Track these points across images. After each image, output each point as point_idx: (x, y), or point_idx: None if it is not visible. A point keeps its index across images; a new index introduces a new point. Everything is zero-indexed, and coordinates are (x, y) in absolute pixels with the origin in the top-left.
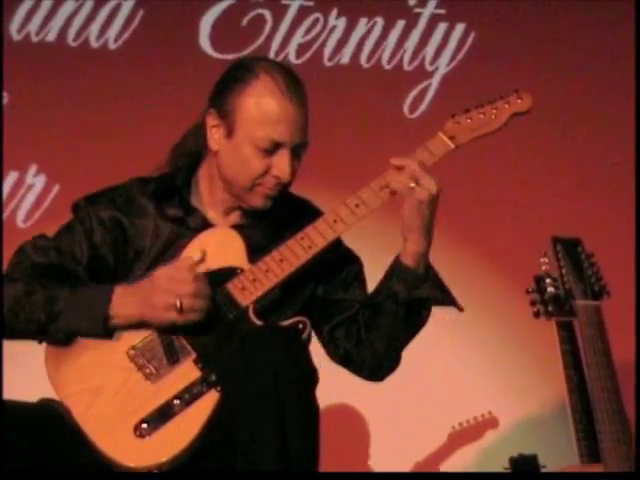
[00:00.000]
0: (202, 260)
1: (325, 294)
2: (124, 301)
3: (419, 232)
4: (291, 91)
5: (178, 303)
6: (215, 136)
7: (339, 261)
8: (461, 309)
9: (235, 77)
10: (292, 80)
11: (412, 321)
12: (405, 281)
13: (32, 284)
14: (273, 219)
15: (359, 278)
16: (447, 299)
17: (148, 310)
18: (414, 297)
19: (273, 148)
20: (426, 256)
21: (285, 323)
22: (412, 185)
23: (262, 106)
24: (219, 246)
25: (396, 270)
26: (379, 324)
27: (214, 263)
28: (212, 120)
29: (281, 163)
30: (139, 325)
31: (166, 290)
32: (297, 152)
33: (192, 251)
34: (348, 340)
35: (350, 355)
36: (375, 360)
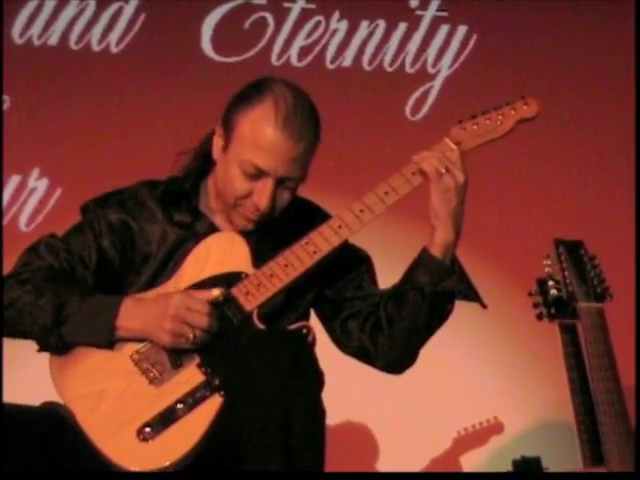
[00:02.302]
0: (221, 297)
1: (335, 295)
2: (131, 315)
3: (446, 220)
4: (290, 124)
5: (191, 336)
6: (217, 146)
7: (346, 262)
8: (484, 306)
9: (245, 95)
10: (298, 113)
11: (435, 314)
12: (431, 273)
13: (42, 287)
14: (280, 224)
15: (369, 274)
16: (472, 294)
17: (156, 331)
18: (439, 290)
19: (257, 174)
20: (453, 247)
21: (289, 328)
22: (442, 171)
23: (255, 131)
24: (224, 251)
25: (423, 261)
26: (402, 316)
27: (219, 268)
28: (218, 130)
29: (261, 192)
30: (140, 339)
31: (182, 319)
32: (286, 184)
33: (199, 259)
34: (363, 332)
35: (365, 347)
36: (394, 352)
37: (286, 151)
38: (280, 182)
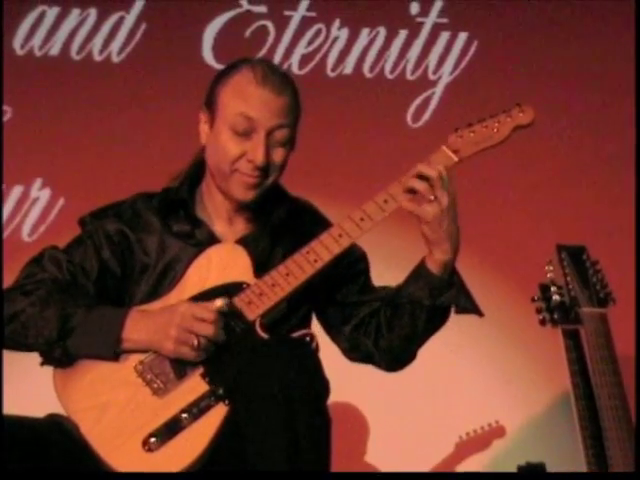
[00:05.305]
0: (225, 307)
1: (341, 298)
2: (137, 326)
3: (441, 243)
4: (270, 79)
5: (196, 342)
6: (203, 131)
7: (346, 261)
8: (481, 315)
9: (221, 74)
10: (273, 72)
11: (432, 324)
12: (429, 287)
13: (47, 299)
14: (276, 225)
15: (368, 275)
16: (469, 306)
17: (161, 340)
18: (437, 304)
19: (247, 130)
20: (453, 263)
21: (292, 336)
22: (431, 198)
23: (238, 92)
24: (225, 261)
25: (421, 274)
26: (400, 324)
27: (220, 278)
28: (202, 116)
29: (255, 146)
30: (145, 350)
31: (187, 328)
32: (277, 138)
33: (201, 270)
34: (368, 337)
35: (370, 351)
36: (393, 356)
37: (271, 101)
38: (270, 136)
